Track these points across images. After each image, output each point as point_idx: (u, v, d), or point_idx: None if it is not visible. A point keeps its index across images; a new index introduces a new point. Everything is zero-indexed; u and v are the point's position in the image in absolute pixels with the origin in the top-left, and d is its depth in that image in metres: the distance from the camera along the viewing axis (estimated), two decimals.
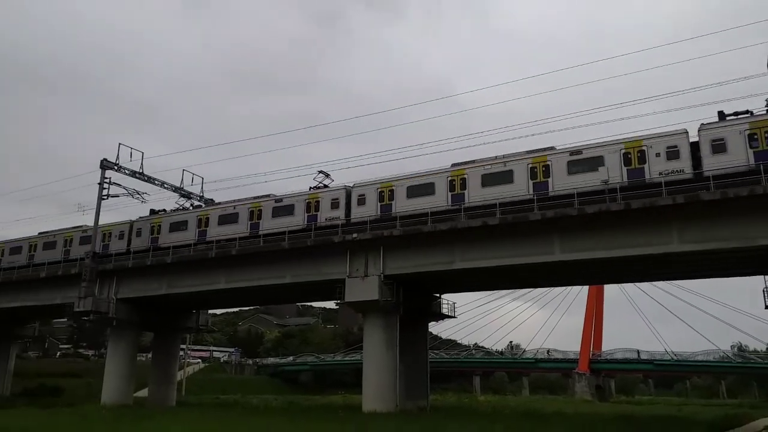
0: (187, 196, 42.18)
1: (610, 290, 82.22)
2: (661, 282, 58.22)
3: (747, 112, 25.39)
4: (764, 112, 25.31)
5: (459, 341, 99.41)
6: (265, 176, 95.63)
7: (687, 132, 26.01)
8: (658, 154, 26.04)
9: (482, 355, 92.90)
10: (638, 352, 74.63)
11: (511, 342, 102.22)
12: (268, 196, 37.23)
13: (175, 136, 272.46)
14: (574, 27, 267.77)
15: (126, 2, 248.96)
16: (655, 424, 27.32)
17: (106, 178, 39.46)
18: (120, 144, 40.14)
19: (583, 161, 27.61)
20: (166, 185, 41.47)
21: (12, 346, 55.99)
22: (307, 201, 35.01)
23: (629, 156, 26.65)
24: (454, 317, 40.88)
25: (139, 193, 41.10)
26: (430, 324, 41.06)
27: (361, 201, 33.31)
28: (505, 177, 29.17)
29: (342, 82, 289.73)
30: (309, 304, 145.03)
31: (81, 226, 43.95)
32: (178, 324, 45.72)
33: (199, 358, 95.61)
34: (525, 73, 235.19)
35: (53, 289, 43.24)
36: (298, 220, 34.69)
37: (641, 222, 25.46)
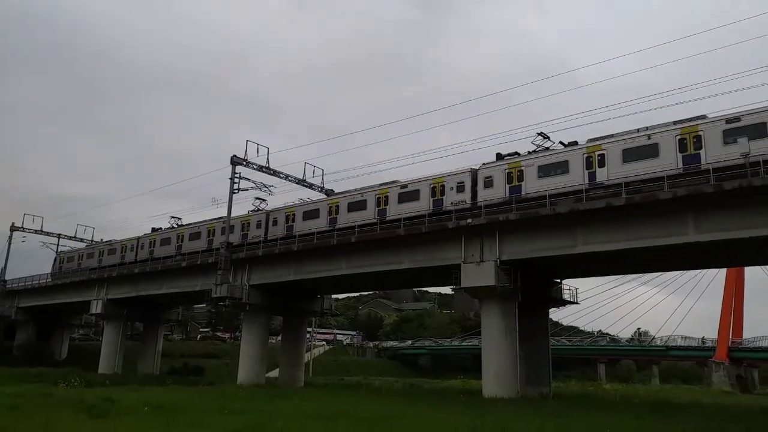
0: (310, 187, 43.98)
1: (752, 272, 75.16)
2: None
3: (516, 153, 31.46)
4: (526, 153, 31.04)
5: (581, 328, 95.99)
6: (380, 165, 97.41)
7: (471, 171, 32.15)
8: (452, 188, 32.40)
9: (607, 341, 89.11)
10: None
11: (638, 329, 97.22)
12: (221, 218, 45.21)
13: (291, 130, 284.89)
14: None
15: (239, 4, 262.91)
16: None
17: (236, 173, 41.62)
18: (247, 141, 42.14)
19: (408, 193, 34.57)
20: (290, 178, 43.33)
21: (160, 328, 61.84)
22: (242, 222, 43.93)
23: (435, 189, 33.18)
24: (577, 303, 39.62)
25: (266, 186, 43.33)
26: (550, 310, 40.09)
27: (275, 222, 42.08)
28: (361, 204, 36.75)
29: (452, 66, 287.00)
30: (425, 289, 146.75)
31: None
32: (305, 308, 47.89)
33: (324, 340, 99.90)
34: (644, 46, 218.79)
35: (194, 277, 47.01)
36: (235, 237, 43.26)
37: None
